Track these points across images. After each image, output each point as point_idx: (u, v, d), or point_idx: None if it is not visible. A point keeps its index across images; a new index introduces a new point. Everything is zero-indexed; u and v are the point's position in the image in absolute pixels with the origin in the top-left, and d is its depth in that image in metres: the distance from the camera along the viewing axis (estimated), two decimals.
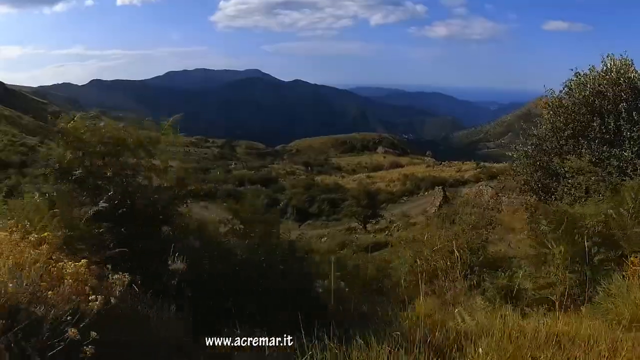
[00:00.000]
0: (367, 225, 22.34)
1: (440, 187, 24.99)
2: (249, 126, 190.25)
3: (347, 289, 4.82)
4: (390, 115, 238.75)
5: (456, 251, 6.48)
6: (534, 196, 9.05)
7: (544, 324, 3.07)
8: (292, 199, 30.27)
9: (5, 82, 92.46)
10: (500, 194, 22.64)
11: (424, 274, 6.21)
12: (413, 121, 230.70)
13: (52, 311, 2.08)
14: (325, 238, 20.19)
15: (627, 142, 7.28)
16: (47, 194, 3.45)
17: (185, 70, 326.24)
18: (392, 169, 51.21)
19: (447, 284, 6.11)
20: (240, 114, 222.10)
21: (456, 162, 51.62)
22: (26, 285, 2.17)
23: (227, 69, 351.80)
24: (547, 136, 8.23)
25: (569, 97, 8.02)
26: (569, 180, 7.24)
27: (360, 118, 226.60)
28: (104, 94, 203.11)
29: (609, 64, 7.90)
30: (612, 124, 7.42)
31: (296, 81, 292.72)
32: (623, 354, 2.58)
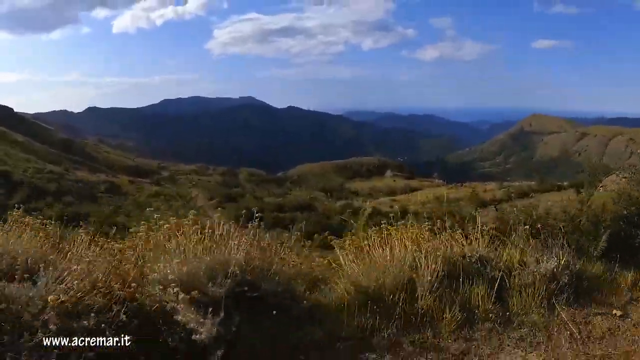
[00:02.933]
0: None
1: (493, 205, 25.76)
2: (245, 153, 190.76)
3: None
4: (383, 138, 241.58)
5: None
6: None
7: None
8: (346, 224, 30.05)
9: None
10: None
11: None
12: (407, 143, 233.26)
13: None
14: None
15: None
16: None
17: (179, 98, 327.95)
18: (409, 192, 52.15)
19: None
20: (236, 141, 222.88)
21: (475, 182, 52.92)
22: None
23: (221, 96, 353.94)
24: None
25: None
26: None
27: (355, 142, 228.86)
28: (101, 121, 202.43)
29: None
30: None
31: (290, 107, 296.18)
32: None
